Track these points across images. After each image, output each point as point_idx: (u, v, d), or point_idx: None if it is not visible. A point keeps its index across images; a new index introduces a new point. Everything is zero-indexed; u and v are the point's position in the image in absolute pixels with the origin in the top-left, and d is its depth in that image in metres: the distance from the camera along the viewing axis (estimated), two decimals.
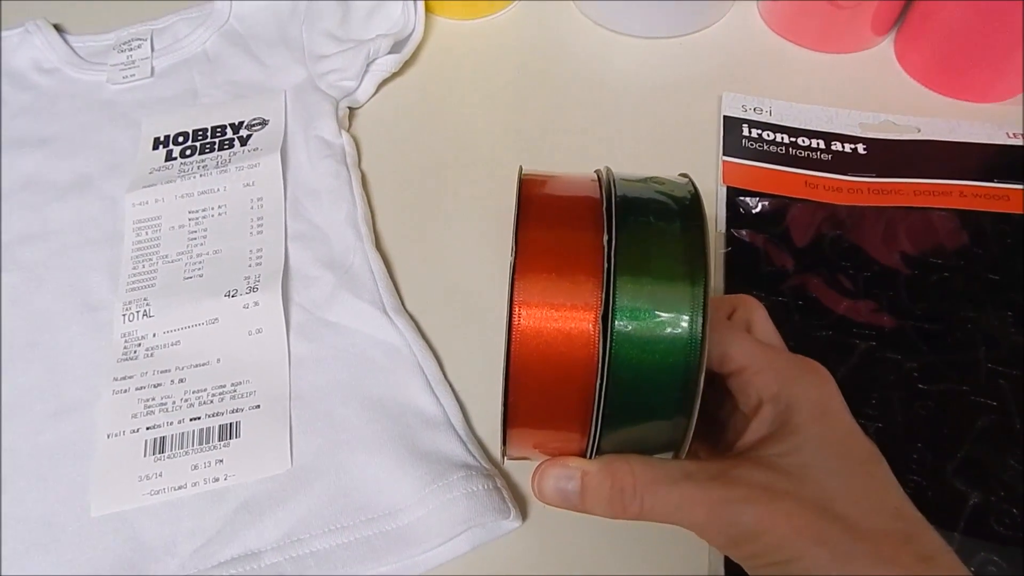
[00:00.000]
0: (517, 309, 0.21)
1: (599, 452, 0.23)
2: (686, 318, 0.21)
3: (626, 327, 0.21)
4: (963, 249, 0.36)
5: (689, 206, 0.23)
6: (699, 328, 0.21)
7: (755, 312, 0.28)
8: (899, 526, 0.21)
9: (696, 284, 0.21)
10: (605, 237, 0.21)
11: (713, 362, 0.25)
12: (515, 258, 0.22)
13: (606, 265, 0.21)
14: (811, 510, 0.21)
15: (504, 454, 0.24)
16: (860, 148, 0.41)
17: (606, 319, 0.21)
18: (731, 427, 0.26)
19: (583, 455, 0.23)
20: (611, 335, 0.21)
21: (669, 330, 0.21)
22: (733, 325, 0.27)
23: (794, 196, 0.38)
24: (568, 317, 0.21)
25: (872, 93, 0.44)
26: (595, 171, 0.25)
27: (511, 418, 0.22)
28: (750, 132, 0.41)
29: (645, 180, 0.24)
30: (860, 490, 0.22)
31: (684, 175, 0.25)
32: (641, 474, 0.23)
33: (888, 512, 0.22)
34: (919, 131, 0.41)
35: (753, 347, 0.25)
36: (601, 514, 0.24)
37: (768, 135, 0.41)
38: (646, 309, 0.21)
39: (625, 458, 0.23)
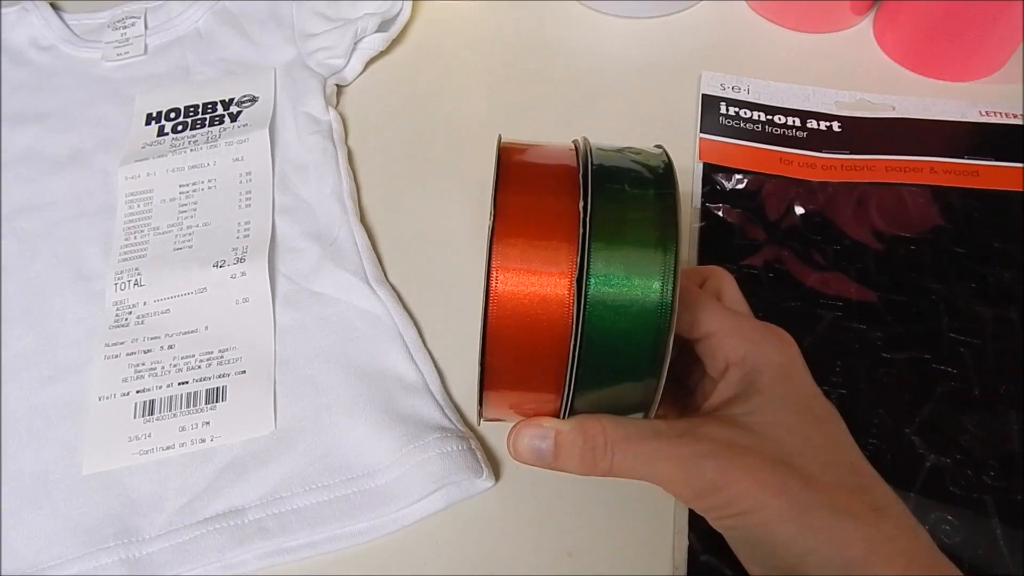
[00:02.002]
0: (495, 273, 0.22)
1: (572, 413, 0.24)
2: (657, 283, 0.22)
3: (600, 291, 0.22)
4: (932, 224, 0.37)
5: (662, 175, 0.24)
6: (669, 293, 0.22)
7: (725, 282, 0.29)
8: (854, 479, 0.23)
9: (667, 251, 0.22)
10: (581, 203, 0.22)
11: (683, 328, 0.26)
12: (493, 223, 0.22)
13: (581, 231, 0.22)
14: (771, 464, 0.22)
15: (480, 415, 0.25)
16: (835, 126, 0.41)
17: (580, 283, 0.22)
18: (699, 390, 0.27)
19: (557, 416, 0.24)
20: (585, 299, 0.22)
21: (641, 294, 0.22)
22: (703, 293, 0.28)
23: (769, 172, 0.39)
24: (544, 282, 0.22)
25: (850, 72, 0.45)
26: (572, 141, 0.26)
27: (487, 380, 0.23)
28: (727, 110, 0.42)
29: (621, 150, 0.25)
30: (819, 446, 0.23)
31: (659, 146, 0.26)
32: (612, 431, 0.24)
33: (844, 466, 0.23)
34: (894, 109, 0.42)
35: (721, 314, 0.26)
36: (574, 471, 0.25)
37: (745, 113, 0.42)
38: (619, 274, 0.22)
39: (597, 417, 0.24)
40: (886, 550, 0.21)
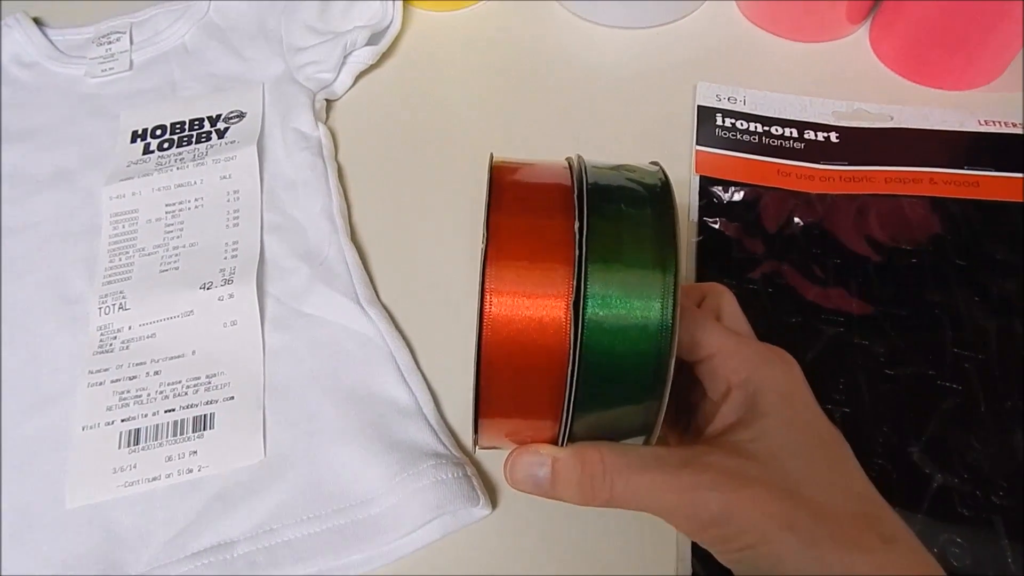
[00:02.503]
0: (488, 296, 0.21)
1: (571, 439, 0.23)
2: (657, 305, 0.21)
3: (597, 314, 0.21)
4: (933, 235, 0.36)
5: (659, 193, 0.23)
6: (669, 315, 0.21)
7: (724, 299, 0.28)
8: (863, 509, 0.22)
9: (667, 271, 0.21)
10: (576, 224, 0.22)
11: (683, 349, 0.25)
12: (486, 245, 0.22)
13: (577, 252, 0.21)
14: (778, 495, 0.21)
15: (476, 443, 0.24)
16: (833, 136, 0.41)
17: (577, 306, 0.21)
18: (701, 413, 0.26)
19: (555, 442, 0.23)
20: (582, 323, 0.21)
21: (640, 317, 0.21)
22: (702, 313, 0.27)
23: (767, 185, 0.39)
24: (539, 305, 0.21)
25: (847, 82, 0.44)
26: (567, 158, 0.25)
27: (482, 407, 0.23)
28: (724, 121, 0.42)
29: (616, 168, 0.24)
30: (825, 474, 0.22)
31: (655, 163, 0.25)
32: (611, 460, 0.23)
33: (852, 495, 0.22)
34: (892, 119, 0.42)
35: (722, 334, 0.25)
36: (572, 500, 0.24)
37: (741, 124, 0.41)
38: (617, 296, 0.21)
39: (595, 445, 0.23)
40: None
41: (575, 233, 0.21)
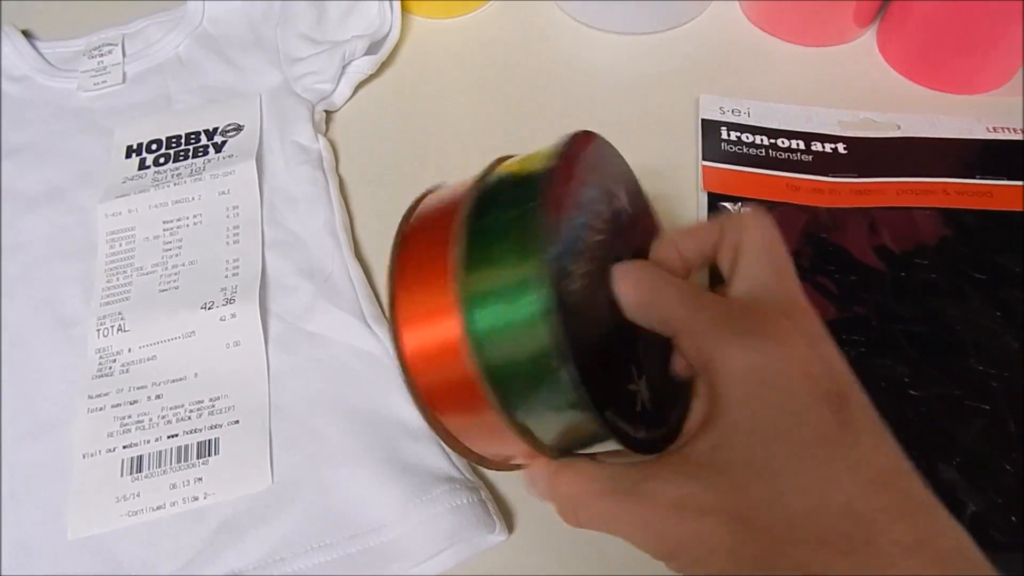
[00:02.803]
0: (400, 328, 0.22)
1: (551, 448, 0.22)
2: (530, 298, 0.19)
3: (478, 316, 0.20)
4: (948, 248, 0.36)
5: (537, 178, 0.21)
6: (543, 305, 0.19)
7: (747, 234, 0.22)
8: (845, 529, 0.18)
9: (529, 257, 0.19)
10: (453, 252, 0.21)
11: (655, 324, 0.21)
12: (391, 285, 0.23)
13: (453, 280, 0.21)
14: (728, 526, 0.18)
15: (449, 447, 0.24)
16: (840, 147, 0.40)
17: (468, 327, 0.20)
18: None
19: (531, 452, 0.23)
20: (474, 345, 0.20)
21: (524, 319, 0.19)
22: (665, 280, 0.22)
23: (776, 200, 0.38)
24: (438, 336, 0.21)
25: (854, 87, 0.44)
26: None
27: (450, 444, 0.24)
28: (729, 135, 0.41)
29: (520, 162, 0.24)
30: (796, 488, 0.18)
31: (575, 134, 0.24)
32: (573, 485, 0.21)
33: (832, 512, 0.18)
34: (899, 128, 0.41)
35: (682, 303, 0.21)
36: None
37: (747, 137, 0.41)
38: (496, 307, 0.20)
39: (568, 466, 0.22)
40: None
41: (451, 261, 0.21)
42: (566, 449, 0.23)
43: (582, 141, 0.23)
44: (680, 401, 0.24)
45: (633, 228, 0.25)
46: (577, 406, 0.20)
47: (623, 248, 0.24)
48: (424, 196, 0.26)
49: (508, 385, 0.20)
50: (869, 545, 0.17)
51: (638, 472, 0.20)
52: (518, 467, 0.25)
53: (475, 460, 0.25)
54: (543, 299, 0.19)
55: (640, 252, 0.24)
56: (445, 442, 0.24)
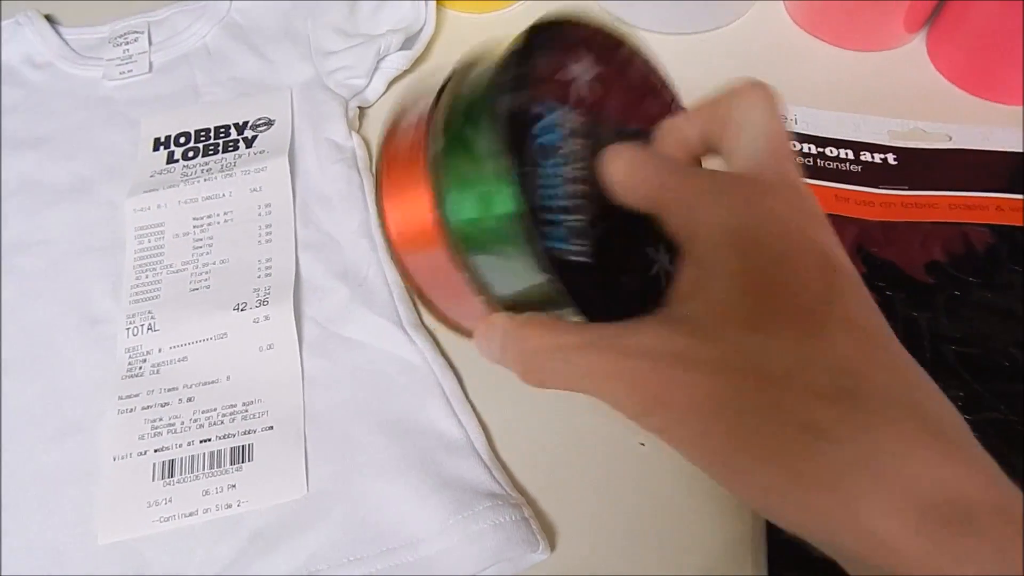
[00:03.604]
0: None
1: (509, 308, 0.22)
2: (493, 162, 0.19)
3: (455, 209, 0.21)
4: (1001, 267, 0.35)
5: (518, 40, 0.21)
6: (505, 169, 0.19)
7: (750, 113, 0.21)
8: (834, 380, 0.17)
9: (489, 121, 0.20)
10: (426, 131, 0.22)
11: (642, 203, 0.21)
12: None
13: (426, 160, 0.22)
14: (714, 377, 0.18)
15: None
16: (891, 158, 0.39)
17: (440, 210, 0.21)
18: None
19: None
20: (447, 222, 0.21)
21: (488, 187, 0.20)
22: (653, 157, 0.21)
23: (825, 211, 0.37)
24: (414, 213, 0.22)
25: (903, 95, 0.43)
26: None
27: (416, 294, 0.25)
28: None
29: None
30: (785, 342, 0.18)
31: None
32: (542, 339, 0.20)
33: (822, 364, 0.17)
34: (950, 139, 0.40)
35: (664, 176, 0.20)
36: (518, 375, 0.21)
37: (795, 146, 0.40)
38: (464, 170, 0.21)
39: (531, 319, 0.21)
40: (877, 490, 0.16)
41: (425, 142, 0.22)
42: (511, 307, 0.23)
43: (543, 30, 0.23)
44: None
45: (639, 98, 0.25)
46: (540, 269, 0.20)
47: (624, 120, 0.24)
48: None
49: (469, 238, 0.21)
50: (858, 396, 0.17)
51: (617, 327, 0.20)
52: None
53: (451, 327, 0.26)
54: (503, 158, 0.19)
55: (648, 128, 0.24)
56: (422, 305, 0.25)
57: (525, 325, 0.21)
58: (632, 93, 0.25)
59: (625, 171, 0.21)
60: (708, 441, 0.18)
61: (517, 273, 0.21)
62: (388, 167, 0.24)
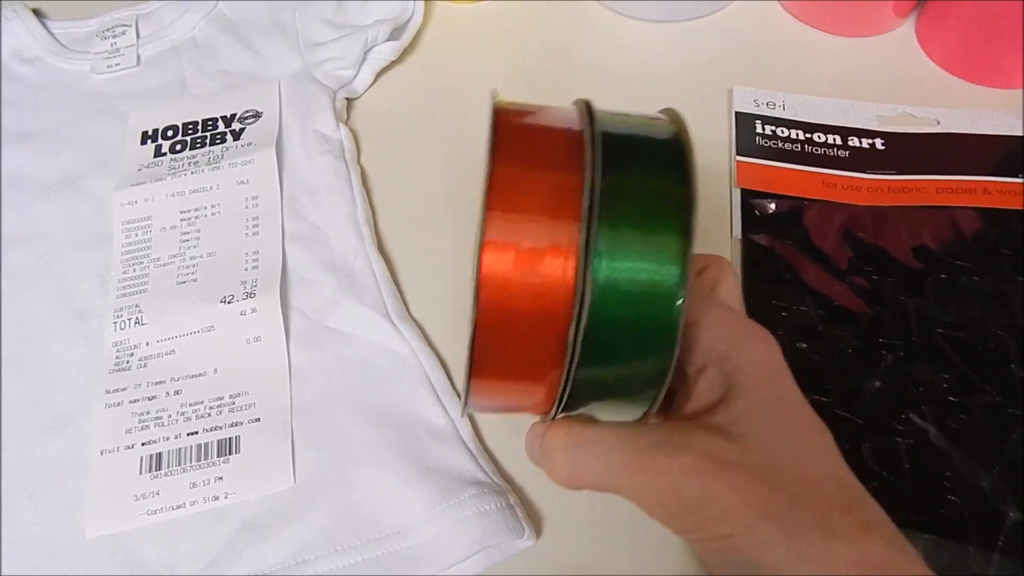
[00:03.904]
0: (486, 250, 0.20)
1: (566, 409, 0.22)
2: (670, 270, 0.19)
3: (605, 275, 0.19)
4: (990, 250, 0.34)
5: (675, 148, 0.21)
6: (682, 281, 0.19)
7: (724, 275, 0.26)
8: (843, 495, 0.21)
9: (682, 234, 0.19)
10: (587, 177, 0.20)
11: None
12: (486, 194, 0.20)
13: (587, 207, 0.19)
14: (758, 481, 0.20)
15: (465, 406, 0.23)
16: (878, 143, 0.39)
17: (586, 265, 0.19)
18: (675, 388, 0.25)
19: (548, 412, 0.22)
20: (588, 283, 0.19)
21: (651, 281, 0.19)
22: (691, 277, 0.25)
23: (811, 197, 0.37)
24: (543, 262, 0.20)
25: (892, 79, 0.42)
26: (575, 102, 0.23)
27: (476, 367, 0.21)
28: (763, 129, 0.40)
29: (628, 117, 0.23)
30: (806, 460, 0.21)
31: (670, 111, 0.23)
32: (577, 436, 0.22)
33: (833, 483, 0.21)
34: (938, 123, 0.40)
35: (707, 304, 0.24)
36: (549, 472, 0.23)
37: (782, 132, 0.40)
38: (627, 257, 0.19)
39: (567, 420, 0.23)
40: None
41: (586, 187, 0.20)
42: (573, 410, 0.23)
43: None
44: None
45: None
46: (655, 368, 0.20)
47: None
48: (503, 107, 0.23)
49: (595, 336, 0.20)
50: (859, 509, 0.21)
51: (662, 430, 0.22)
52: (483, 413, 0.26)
53: (475, 391, 0.23)
54: (684, 273, 0.19)
55: None
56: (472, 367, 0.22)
57: (565, 424, 0.23)
58: None
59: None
60: (750, 539, 0.20)
61: (628, 351, 0.20)
62: (517, 185, 0.21)
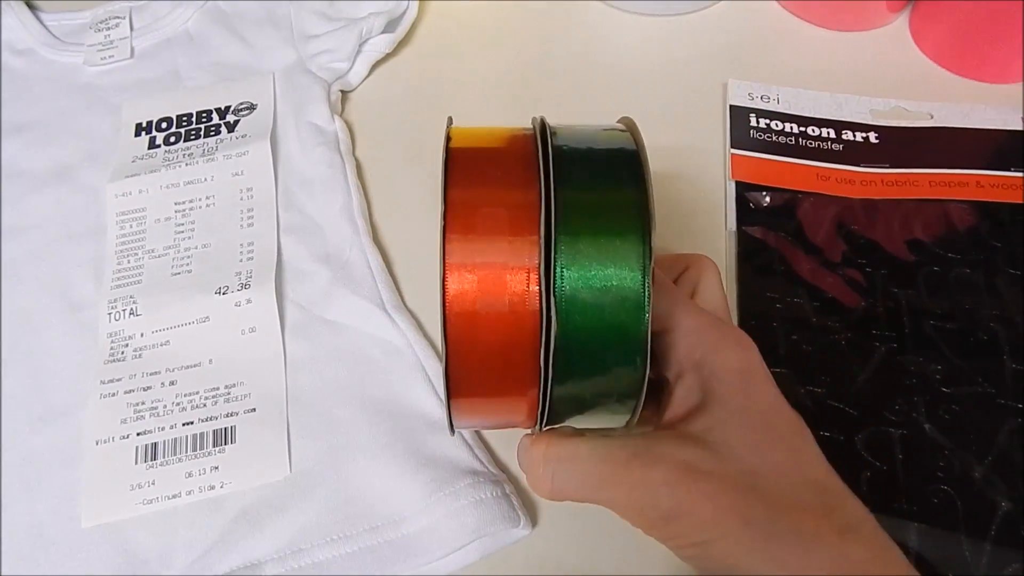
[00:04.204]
0: (449, 273, 0.20)
1: (550, 421, 0.22)
2: (633, 276, 0.20)
3: (568, 287, 0.20)
4: (982, 243, 0.35)
5: (629, 156, 0.21)
6: (646, 286, 0.20)
7: (706, 274, 0.26)
8: (821, 499, 0.21)
9: (642, 240, 0.20)
10: (541, 192, 0.20)
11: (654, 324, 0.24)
12: (444, 220, 0.20)
13: (543, 222, 0.20)
14: (733, 488, 0.21)
15: (451, 426, 0.23)
16: (872, 137, 0.39)
17: (547, 280, 0.20)
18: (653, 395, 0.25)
19: (535, 426, 0.23)
20: (553, 297, 0.20)
21: (615, 288, 0.20)
22: (666, 282, 0.25)
23: (805, 190, 0.37)
24: (506, 279, 0.20)
25: (885, 73, 0.43)
26: (532, 119, 0.24)
27: (453, 388, 0.21)
28: (758, 122, 0.40)
29: (582, 130, 0.23)
30: (783, 465, 0.21)
31: (626, 119, 0.24)
32: (554, 451, 0.23)
33: (810, 486, 0.21)
34: (931, 117, 0.40)
35: (683, 308, 0.24)
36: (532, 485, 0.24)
37: (776, 125, 0.40)
38: (588, 267, 0.20)
39: (545, 435, 0.23)
40: None
41: (540, 202, 0.20)
42: (556, 421, 0.23)
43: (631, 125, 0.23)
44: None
45: None
46: (630, 376, 0.20)
47: None
48: (457, 130, 0.24)
49: (566, 347, 0.20)
50: (840, 511, 0.21)
51: (637, 440, 0.22)
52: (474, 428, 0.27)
53: (461, 412, 0.23)
54: (647, 278, 0.20)
55: None
56: (448, 394, 0.22)
57: (545, 437, 0.23)
58: None
59: None
60: (727, 547, 0.20)
61: (600, 364, 0.21)
62: (473, 206, 0.21)
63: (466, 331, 0.20)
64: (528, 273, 0.20)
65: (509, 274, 0.20)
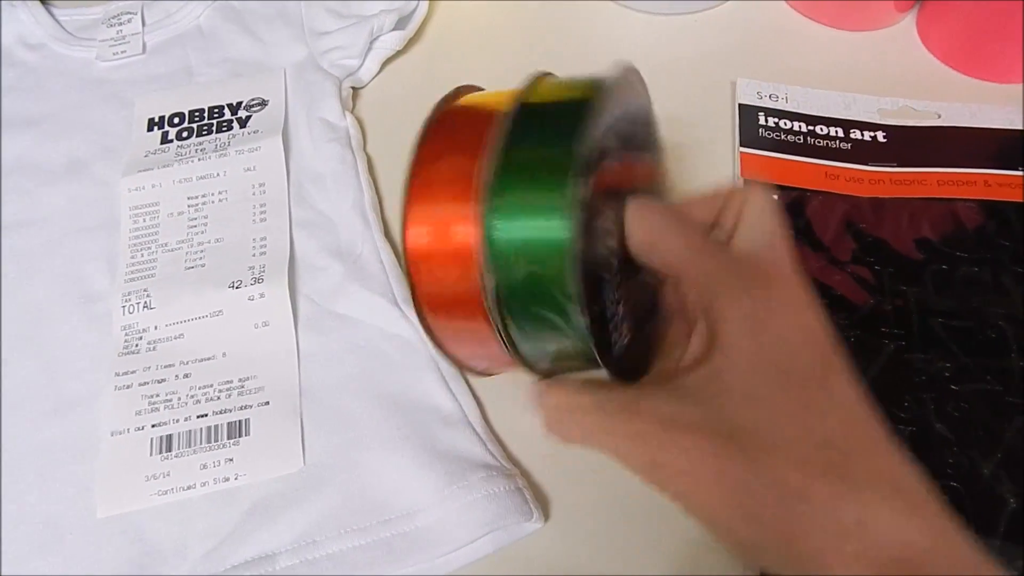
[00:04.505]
0: (409, 227, 0.23)
1: (523, 359, 0.24)
2: (555, 225, 0.20)
3: (501, 237, 0.21)
4: (989, 241, 0.35)
5: (580, 106, 0.22)
6: (571, 233, 0.20)
7: (748, 207, 0.23)
8: (824, 455, 0.19)
9: (564, 187, 0.20)
10: (488, 149, 0.22)
11: (658, 265, 0.23)
12: (408, 175, 0.24)
13: (482, 177, 0.21)
14: (711, 442, 0.20)
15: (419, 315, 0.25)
16: (880, 136, 0.40)
17: (482, 233, 0.21)
18: (680, 344, 0.24)
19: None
20: (486, 250, 0.21)
21: (540, 241, 0.21)
22: (682, 226, 0.23)
23: (814, 188, 0.37)
24: (453, 233, 0.22)
25: (893, 73, 0.43)
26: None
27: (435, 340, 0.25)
28: (767, 121, 0.40)
29: (569, 82, 0.25)
30: (783, 417, 0.20)
31: (622, 64, 0.25)
32: (563, 399, 0.23)
33: (814, 440, 0.19)
34: (939, 116, 0.40)
35: (690, 248, 0.22)
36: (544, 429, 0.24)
37: (785, 124, 0.40)
38: (515, 218, 0.21)
39: (559, 384, 0.24)
40: (848, 546, 0.18)
41: (484, 160, 0.22)
42: (549, 371, 0.24)
43: (623, 75, 0.24)
44: (647, 335, 0.25)
45: (642, 160, 0.27)
46: (576, 334, 0.21)
47: (629, 179, 0.25)
48: (457, 94, 0.26)
49: (512, 302, 0.21)
50: (846, 470, 0.19)
51: (630, 392, 0.22)
52: (489, 374, 0.28)
53: (455, 365, 0.27)
54: (570, 229, 0.20)
55: (643, 187, 0.26)
56: (433, 344, 0.25)
57: (547, 389, 0.24)
58: (645, 149, 0.27)
59: (652, 232, 0.23)
60: (702, 499, 0.20)
61: (550, 333, 0.22)
62: (425, 181, 0.23)
63: (426, 280, 0.23)
64: (471, 225, 0.21)
65: (454, 226, 0.22)
